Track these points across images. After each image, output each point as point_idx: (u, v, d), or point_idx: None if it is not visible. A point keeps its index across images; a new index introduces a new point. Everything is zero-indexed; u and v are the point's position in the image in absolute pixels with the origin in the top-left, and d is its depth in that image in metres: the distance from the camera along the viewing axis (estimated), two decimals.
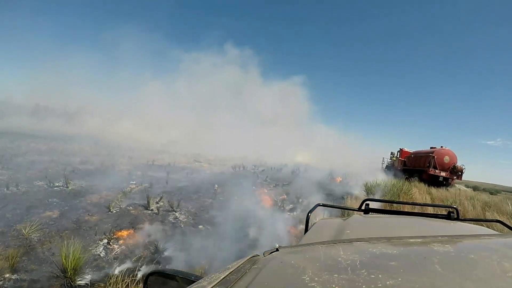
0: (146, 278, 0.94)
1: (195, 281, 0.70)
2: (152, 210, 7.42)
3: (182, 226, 6.65)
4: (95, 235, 6.48)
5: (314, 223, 1.49)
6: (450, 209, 1.64)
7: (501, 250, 0.63)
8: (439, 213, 2.48)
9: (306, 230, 1.57)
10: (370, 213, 1.74)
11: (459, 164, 16.71)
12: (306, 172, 15.33)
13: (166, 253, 5.53)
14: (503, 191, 62.07)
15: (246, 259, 0.66)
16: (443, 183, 16.65)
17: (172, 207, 7.16)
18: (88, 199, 9.06)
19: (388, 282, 0.44)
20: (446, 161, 16.78)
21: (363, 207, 1.77)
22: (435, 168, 16.45)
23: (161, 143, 22.96)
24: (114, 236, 6.29)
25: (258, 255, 0.70)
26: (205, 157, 18.86)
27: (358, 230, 1.21)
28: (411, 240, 0.76)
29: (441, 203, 7.68)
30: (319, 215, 7.04)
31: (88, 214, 7.81)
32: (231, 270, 0.59)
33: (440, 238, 0.74)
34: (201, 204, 7.91)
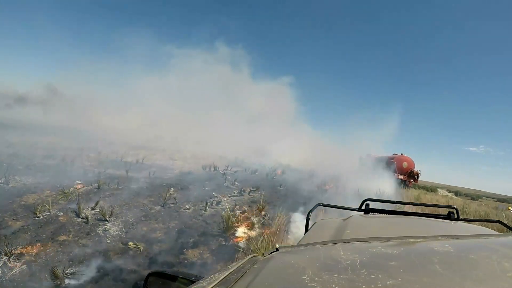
0: (146, 278, 0.90)
1: (195, 281, 0.69)
2: (83, 218, 6.03)
3: (109, 241, 5.31)
4: (6, 247, 5.13)
5: (314, 223, 1.43)
6: (450, 209, 1.58)
7: (501, 250, 0.60)
8: (439, 213, 2.10)
9: (306, 230, 1.52)
10: (370, 213, 1.69)
11: (416, 169, 18.90)
12: (284, 175, 14.04)
13: (68, 282, 4.17)
14: (484, 196, 62.17)
15: (246, 259, 0.65)
16: (401, 185, 18.06)
17: (104, 216, 5.79)
18: (25, 199, 7.68)
19: (388, 282, 0.43)
20: (404, 166, 18.72)
21: (363, 207, 1.71)
22: (394, 172, 18.11)
23: (142, 138, 21.42)
24: (17, 251, 4.93)
25: (258, 255, 0.68)
26: (183, 153, 17.43)
27: (358, 230, 1.16)
28: (411, 240, 0.73)
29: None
30: (319, 215, 6.23)
31: (13, 219, 6.43)
32: (231, 270, 0.57)
33: (440, 238, 0.72)
34: (146, 212, 6.57)
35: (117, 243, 5.33)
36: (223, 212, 7.20)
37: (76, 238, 5.52)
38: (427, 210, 6.36)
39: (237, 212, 7.09)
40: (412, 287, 0.41)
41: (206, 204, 7.01)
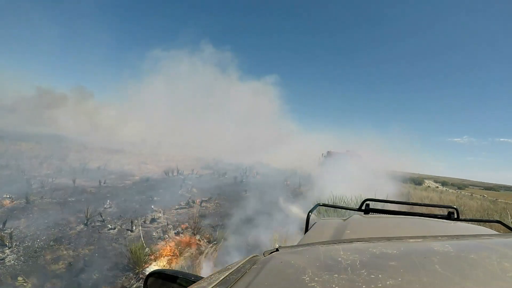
0: (146, 278, 0.86)
1: (195, 281, 0.68)
2: None
3: None
4: None
5: (314, 223, 1.37)
6: (450, 209, 1.54)
7: (501, 250, 0.58)
8: (439, 213, 1.87)
9: (306, 230, 1.46)
10: (370, 213, 1.65)
11: None
12: (258, 176, 12.97)
13: None
14: (471, 185, 61.52)
15: (246, 259, 0.62)
16: None
17: (3, 240, 4.75)
18: None
19: (388, 282, 0.42)
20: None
21: (363, 207, 1.68)
22: None
23: (122, 141, 20.25)
24: None
25: (258, 255, 0.65)
26: (158, 156, 16.33)
27: (358, 230, 1.13)
28: (411, 240, 0.71)
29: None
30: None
31: None
32: (231, 270, 0.55)
33: (440, 238, 0.70)
34: (63, 233, 5.53)
35: (5, 276, 4.32)
36: (156, 234, 6.14)
37: None
38: (427, 210, 5.57)
39: (173, 233, 6.03)
40: (412, 287, 0.40)
41: (132, 223, 5.95)
